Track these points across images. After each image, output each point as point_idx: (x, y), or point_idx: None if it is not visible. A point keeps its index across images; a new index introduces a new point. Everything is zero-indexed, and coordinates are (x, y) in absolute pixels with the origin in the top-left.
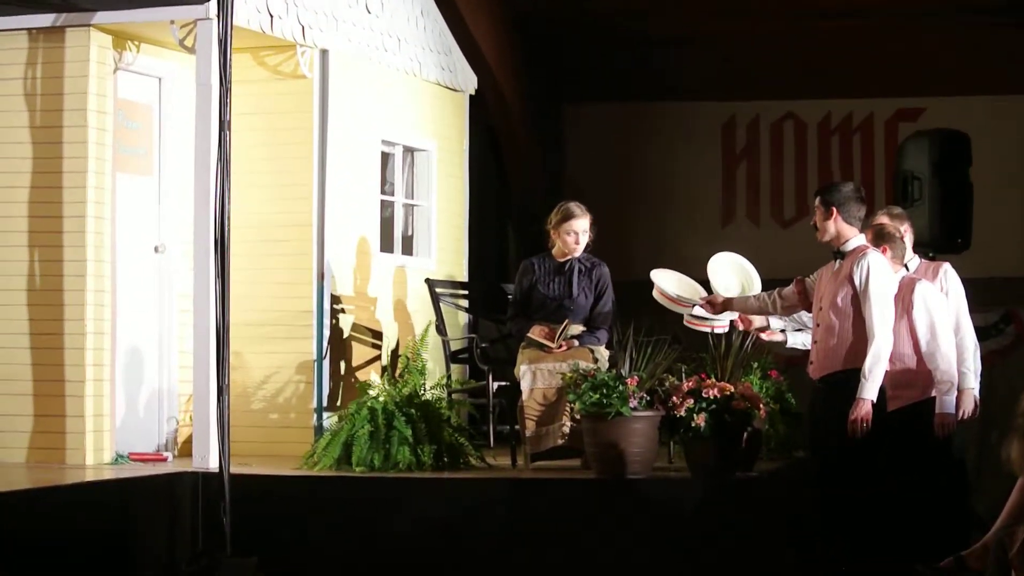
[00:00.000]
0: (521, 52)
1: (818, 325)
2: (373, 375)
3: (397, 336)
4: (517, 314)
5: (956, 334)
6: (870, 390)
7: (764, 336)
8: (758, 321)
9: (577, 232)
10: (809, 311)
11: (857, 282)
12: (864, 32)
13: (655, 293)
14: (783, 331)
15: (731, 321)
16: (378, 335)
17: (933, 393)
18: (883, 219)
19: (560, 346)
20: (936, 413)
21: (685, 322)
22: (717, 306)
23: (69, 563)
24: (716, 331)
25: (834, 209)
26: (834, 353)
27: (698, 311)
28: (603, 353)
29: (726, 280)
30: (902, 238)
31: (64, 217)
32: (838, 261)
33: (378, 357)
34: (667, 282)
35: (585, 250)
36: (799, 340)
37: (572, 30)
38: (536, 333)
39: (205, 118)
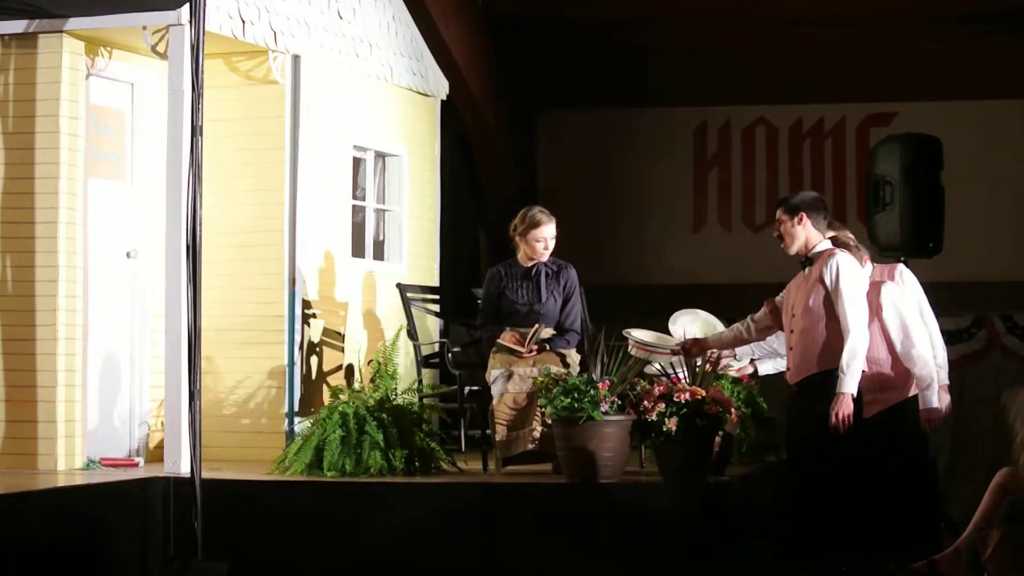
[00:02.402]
0: (493, 58)
1: (792, 332)
2: (344, 380)
3: (368, 341)
4: (487, 322)
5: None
6: (850, 384)
7: (734, 371)
8: (726, 352)
9: (545, 239)
10: (783, 330)
11: (828, 282)
12: (835, 38)
13: (631, 348)
14: (752, 360)
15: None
16: (349, 340)
17: (911, 393)
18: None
19: (531, 350)
20: (922, 409)
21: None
22: (694, 350)
23: (40, 568)
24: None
25: (803, 214)
26: (809, 355)
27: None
28: (574, 356)
29: (690, 332)
30: (857, 246)
31: (36, 223)
32: (807, 268)
33: (349, 362)
34: (641, 334)
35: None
36: (770, 367)
37: (545, 37)
38: (507, 339)
39: (177, 124)
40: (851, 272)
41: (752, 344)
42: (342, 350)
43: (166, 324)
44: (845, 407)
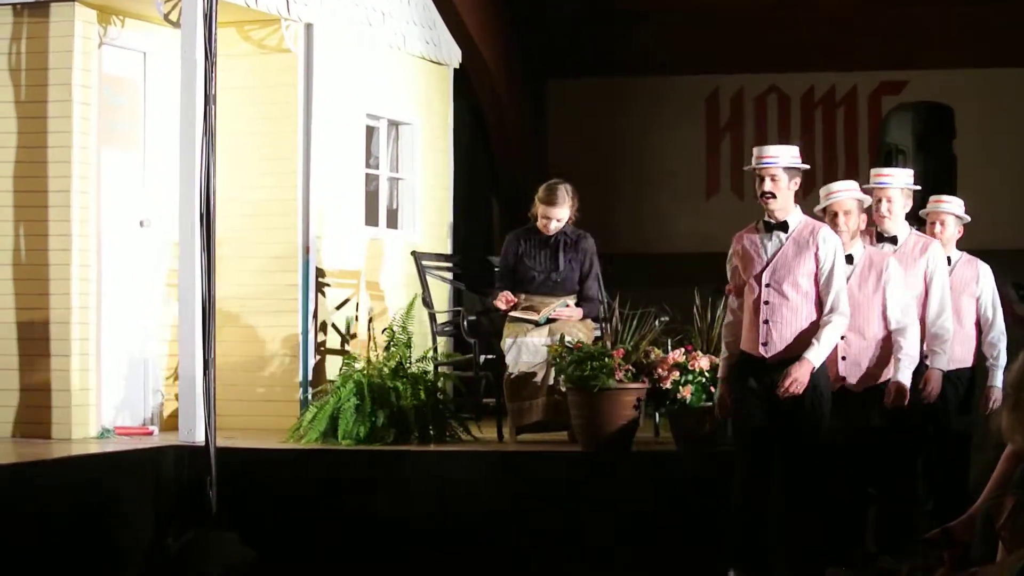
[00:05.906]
0: (506, 26)
1: (766, 304)
2: (359, 349)
3: (382, 309)
4: (503, 288)
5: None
6: (820, 356)
7: None
8: None
9: (550, 219)
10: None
11: (823, 259)
12: (847, 5)
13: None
14: None
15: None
16: (363, 308)
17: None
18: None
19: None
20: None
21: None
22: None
23: (55, 536)
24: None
25: (798, 179)
26: (792, 333)
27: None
28: (589, 326)
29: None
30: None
31: (49, 192)
32: (775, 234)
33: (364, 330)
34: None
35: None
36: None
37: (557, 4)
38: (527, 313)
39: (190, 93)
40: (841, 252)
41: None
42: (356, 318)
43: (180, 293)
44: (804, 375)
